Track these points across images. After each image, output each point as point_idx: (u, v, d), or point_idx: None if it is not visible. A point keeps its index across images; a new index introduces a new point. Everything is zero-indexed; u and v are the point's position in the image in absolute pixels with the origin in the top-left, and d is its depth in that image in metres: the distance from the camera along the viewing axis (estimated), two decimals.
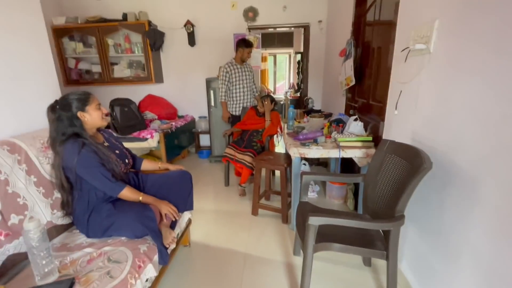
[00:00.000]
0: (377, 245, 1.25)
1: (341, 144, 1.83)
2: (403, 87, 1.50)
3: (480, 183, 0.98)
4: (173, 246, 1.38)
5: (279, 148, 3.47)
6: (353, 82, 2.30)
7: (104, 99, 2.92)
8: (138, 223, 1.22)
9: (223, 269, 1.66)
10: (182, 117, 3.91)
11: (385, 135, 1.73)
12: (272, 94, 6.45)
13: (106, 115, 1.40)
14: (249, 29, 3.75)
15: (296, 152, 1.81)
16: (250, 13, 3.67)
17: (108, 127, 2.69)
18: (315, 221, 1.16)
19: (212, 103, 3.49)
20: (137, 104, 3.18)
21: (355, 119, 1.99)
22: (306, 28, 3.80)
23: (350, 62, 2.35)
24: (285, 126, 2.50)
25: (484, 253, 0.97)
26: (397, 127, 1.60)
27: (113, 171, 1.32)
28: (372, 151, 1.74)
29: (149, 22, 3.53)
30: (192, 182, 1.64)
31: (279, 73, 7.80)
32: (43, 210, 1.28)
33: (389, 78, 1.67)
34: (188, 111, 4.07)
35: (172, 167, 1.69)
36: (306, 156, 1.80)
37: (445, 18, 1.17)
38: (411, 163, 1.19)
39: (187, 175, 1.63)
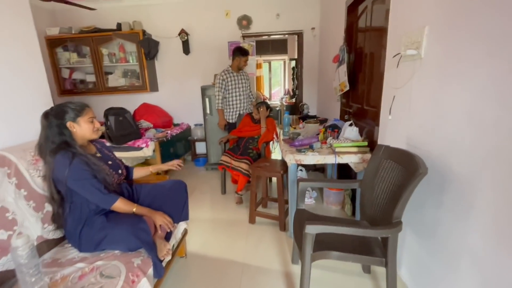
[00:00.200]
0: (375, 252, 1.23)
1: (337, 149, 1.83)
2: (396, 92, 1.51)
3: (475, 186, 0.98)
4: (168, 258, 1.35)
5: (276, 154, 3.47)
6: (348, 88, 2.31)
7: (98, 109, 2.94)
8: (132, 236, 1.19)
9: (220, 279, 1.62)
10: (177, 125, 3.89)
11: (380, 140, 1.73)
12: (267, 101, 6.49)
13: (101, 124, 1.38)
14: (243, 37, 3.78)
15: (292, 159, 1.81)
16: (244, 21, 3.71)
17: (102, 136, 2.66)
18: (312, 229, 1.14)
19: (208, 111, 3.48)
20: (132, 113, 3.16)
21: (350, 124, 1.99)
22: (300, 35, 3.84)
23: (343, 68, 2.37)
24: (281, 132, 2.49)
25: (481, 257, 0.96)
26: (392, 131, 1.60)
27: (105, 182, 1.29)
28: (368, 156, 1.74)
29: (144, 32, 3.55)
30: (187, 192, 1.62)
31: (274, 80, 7.85)
32: (33, 225, 1.25)
33: (382, 83, 1.68)
34: (184, 119, 4.06)
35: (164, 167, 1.68)
36: (302, 163, 1.79)
37: (435, 23, 1.18)
38: (407, 168, 1.18)
39: (182, 184, 1.61)
